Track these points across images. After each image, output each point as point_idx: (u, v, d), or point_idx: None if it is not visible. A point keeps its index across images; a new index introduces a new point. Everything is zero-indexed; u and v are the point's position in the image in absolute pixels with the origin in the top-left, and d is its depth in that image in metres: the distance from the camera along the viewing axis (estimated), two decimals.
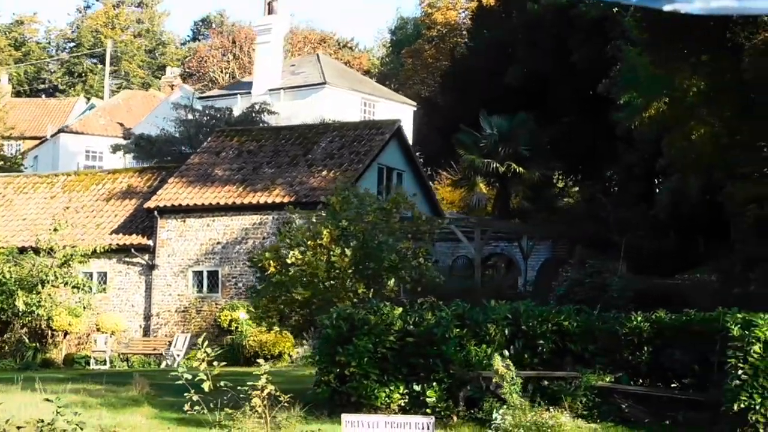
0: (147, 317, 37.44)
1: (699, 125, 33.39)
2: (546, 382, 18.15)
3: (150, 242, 37.46)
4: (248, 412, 15.00)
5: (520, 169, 46.80)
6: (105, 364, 34.79)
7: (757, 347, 16.46)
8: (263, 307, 21.24)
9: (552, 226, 41.30)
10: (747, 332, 16.60)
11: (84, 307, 36.39)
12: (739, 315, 17.11)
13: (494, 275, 47.99)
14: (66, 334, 36.54)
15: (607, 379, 18.18)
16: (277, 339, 31.40)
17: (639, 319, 18.63)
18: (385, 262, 19.99)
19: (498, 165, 46.63)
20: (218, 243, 36.37)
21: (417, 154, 59.73)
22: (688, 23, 28.56)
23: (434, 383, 18.26)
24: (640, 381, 18.61)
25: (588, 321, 18.73)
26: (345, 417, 15.22)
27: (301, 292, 19.68)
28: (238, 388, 14.81)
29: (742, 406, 16.43)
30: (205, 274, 36.61)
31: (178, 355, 33.81)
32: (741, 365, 16.49)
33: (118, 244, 37.78)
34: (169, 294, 36.99)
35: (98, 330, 36.57)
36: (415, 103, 60.59)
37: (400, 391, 18.44)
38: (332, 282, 20.02)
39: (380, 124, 38.24)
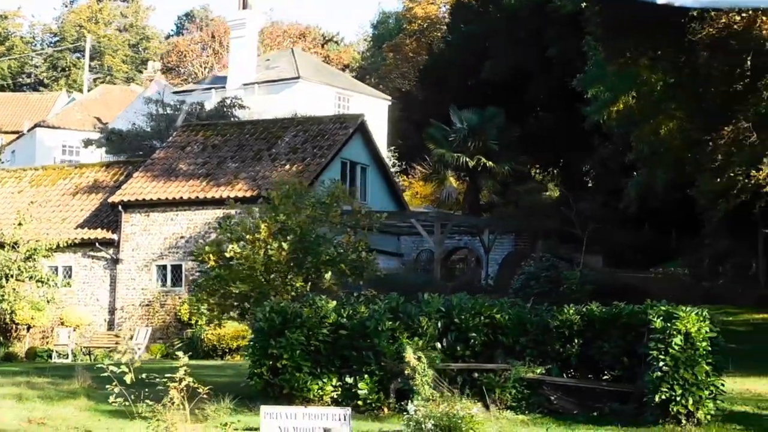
0: (111, 311, 37.59)
1: (667, 120, 33.52)
2: (476, 375, 18.32)
3: (115, 236, 37.62)
4: (168, 405, 15.13)
5: (490, 163, 47.01)
6: (67, 357, 34.92)
7: (678, 339, 16.64)
8: (202, 300, 21.47)
9: (512, 220, 41.46)
10: (669, 324, 16.79)
11: (48, 301, 36.53)
12: (663, 308, 17.28)
13: (465, 269, 48.20)
14: (29, 327, 36.68)
15: (538, 371, 18.32)
16: (236, 332, 31.52)
17: (571, 311, 18.78)
18: (323, 256, 20.17)
19: (468, 159, 46.85)
20: (182, 237, 36.53)
21: (393, 148, 60.01)
22: (644, 18, 28.74)
23: (366, 375, 18.39)
24: (571, 372, 18.78)
25: (520, 314, 18.88)
26: (263, 409, 15.44)
27: (239, 286, 19.91)
28: (156, 380, 14.96)
29: (663, 397, 16.64)
30: (168, 268, 36.78)
31: (138, 349, 33.96)
32: (662, 357, 16.67)
33: (83, 239, 37.95)
34: (134, 288, 37.14)
35: (62, 324, 36.71)
36: (389, 98, 60.75)
37: (333, 384, 18.58)
38: (271, 276, 20.24)
39: (344, 118, 38.43)
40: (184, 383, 15.05)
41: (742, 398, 20.23)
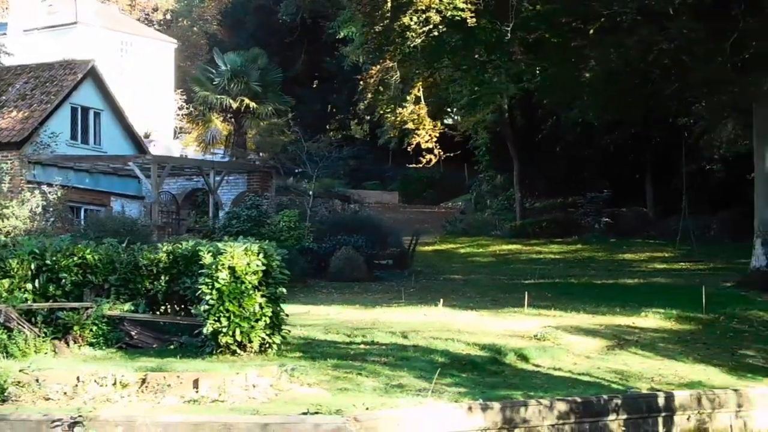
0: None
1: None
2: (61, 314, 18.96)
3: None
4: None
5: (253, 104, 47.56)
6: None
7: (224, 274, 17.47)
8: None
9: (236, 160, 42.09)
10: (216, 260, 17.59)
11: None
12: (220, 244, 18.10)
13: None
14: None
15: (125, 308, 19.09)
16: None
17: (164, 249, 19.56)
18: None
19: (231, 101, 47.32)
20: None
21: (180, 91, 60.16)
22: None
23: None
24: (161, 309, 19.60)
25: (111, 253, 19.59)
26: None
27: None
28: None
29: (212, 329, 17.50)
30: None
31: None
32: (208, 290, 17.50)
33: None
34: None
35: None
36: (176, 41, 60.68)
37: None
38: None
39: (74, 63, 38.47)
40: None
41: (344, 327, 21.25)
